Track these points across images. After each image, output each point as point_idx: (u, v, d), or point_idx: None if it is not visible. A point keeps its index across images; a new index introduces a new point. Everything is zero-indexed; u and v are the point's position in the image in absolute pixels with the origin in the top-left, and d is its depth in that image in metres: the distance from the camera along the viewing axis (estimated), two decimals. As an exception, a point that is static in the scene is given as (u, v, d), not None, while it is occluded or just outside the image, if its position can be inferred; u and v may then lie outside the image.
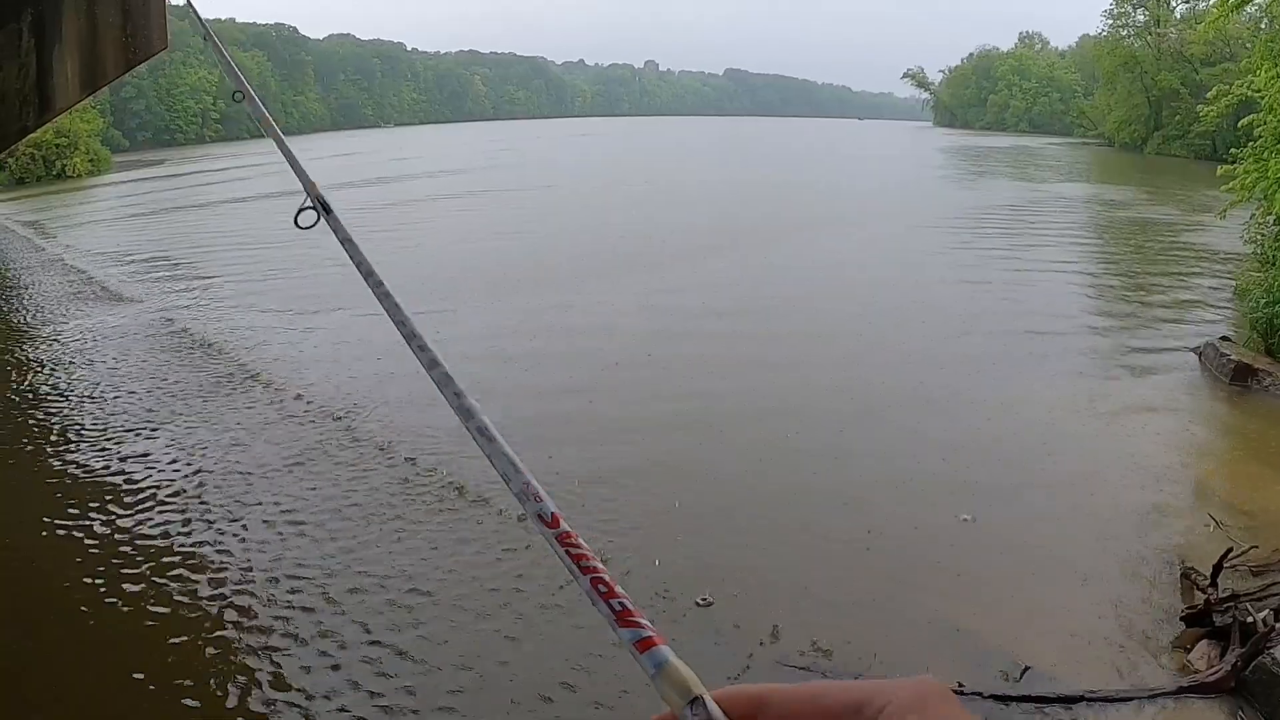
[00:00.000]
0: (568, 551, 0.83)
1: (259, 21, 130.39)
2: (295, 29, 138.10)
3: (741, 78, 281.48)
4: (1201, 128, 58.97)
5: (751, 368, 13.03)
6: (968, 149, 74.41)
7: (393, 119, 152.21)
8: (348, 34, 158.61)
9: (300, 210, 2.12)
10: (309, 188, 2.20)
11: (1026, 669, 5.93)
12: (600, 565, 0.80)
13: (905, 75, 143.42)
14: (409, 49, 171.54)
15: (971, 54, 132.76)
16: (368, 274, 1.66)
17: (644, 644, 0.71)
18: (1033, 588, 6.99)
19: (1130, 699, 5.67)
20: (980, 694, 5.66)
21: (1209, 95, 19.50)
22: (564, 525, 0.86)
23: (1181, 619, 6.49)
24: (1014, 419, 10.70)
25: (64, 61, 11.29)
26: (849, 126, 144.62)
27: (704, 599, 6.79)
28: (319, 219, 2.17)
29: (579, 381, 12.33)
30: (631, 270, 20.30)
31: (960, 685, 5.72)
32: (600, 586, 0.77)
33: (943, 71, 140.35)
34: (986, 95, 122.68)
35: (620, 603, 0.75)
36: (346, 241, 1.91)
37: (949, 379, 12.29)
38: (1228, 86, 18.29)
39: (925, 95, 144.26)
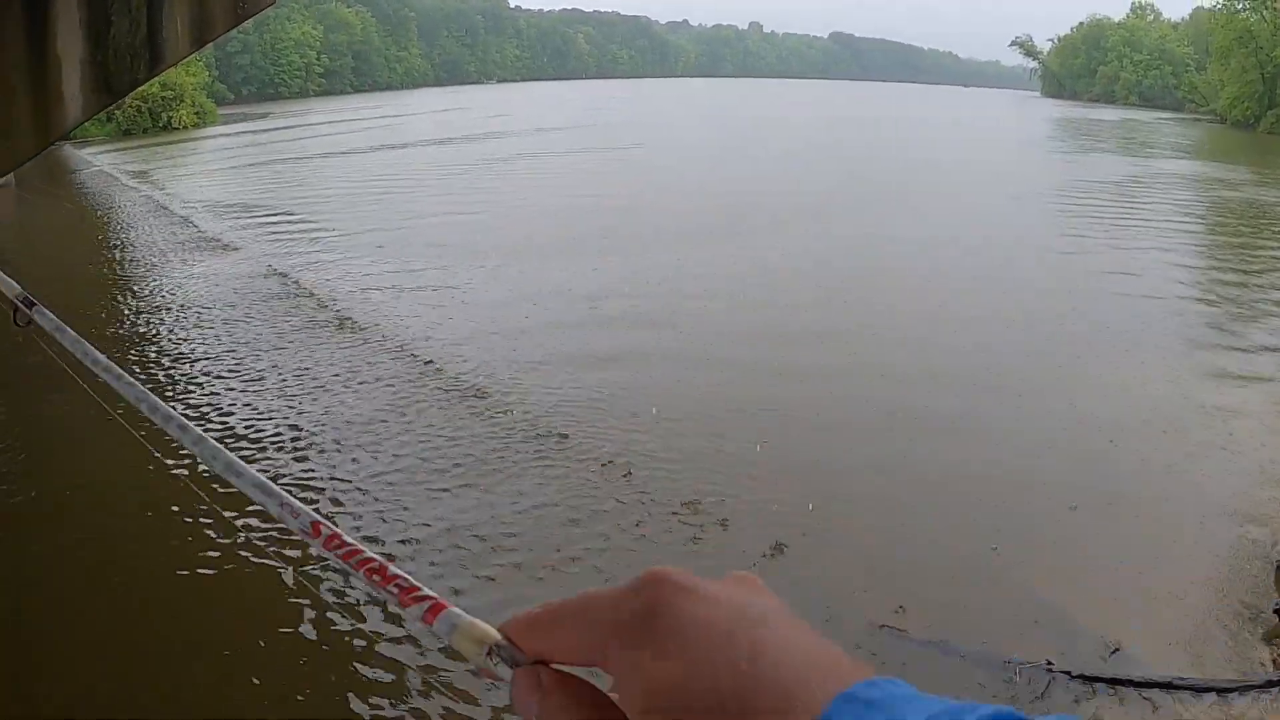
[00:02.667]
0: (336, 552, 0.87)
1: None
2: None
3: (846, 41, 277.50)
4: (1319, 107, 56.71)
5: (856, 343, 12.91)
6: (1078, 120, 72.40)
7: (495, 75, 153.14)
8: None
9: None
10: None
11: (1115, 650, 5.87)
12: (372, 555, 0.81)
13: (1013, 43, 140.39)
14: (512, 5, 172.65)
15: (1082, 23, 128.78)
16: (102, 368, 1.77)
17: (431, 612, 0.70)
18: (1126, 572, 6.87)
19: (1217, 689, 5.56)
20: (1069, 673, 5.63)
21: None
22: (325, 530, 0.90)
23: (1275, 611, 6.34)
24: (1115, 405, 10.43)
25: (174, 17, 11.54)
26: (954, 93, 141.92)
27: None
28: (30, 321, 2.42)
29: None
30: (732, 237, 20.15)
31: (1050, 663, 5.70)
32: (375, 575, 0.78)
33: (1051, 40, 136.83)
34: (1096, 66, 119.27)
35: (397, 584, 0.75)
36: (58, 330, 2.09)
37: (1048, 361, 12.02)
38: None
39: (1033, 64, 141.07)
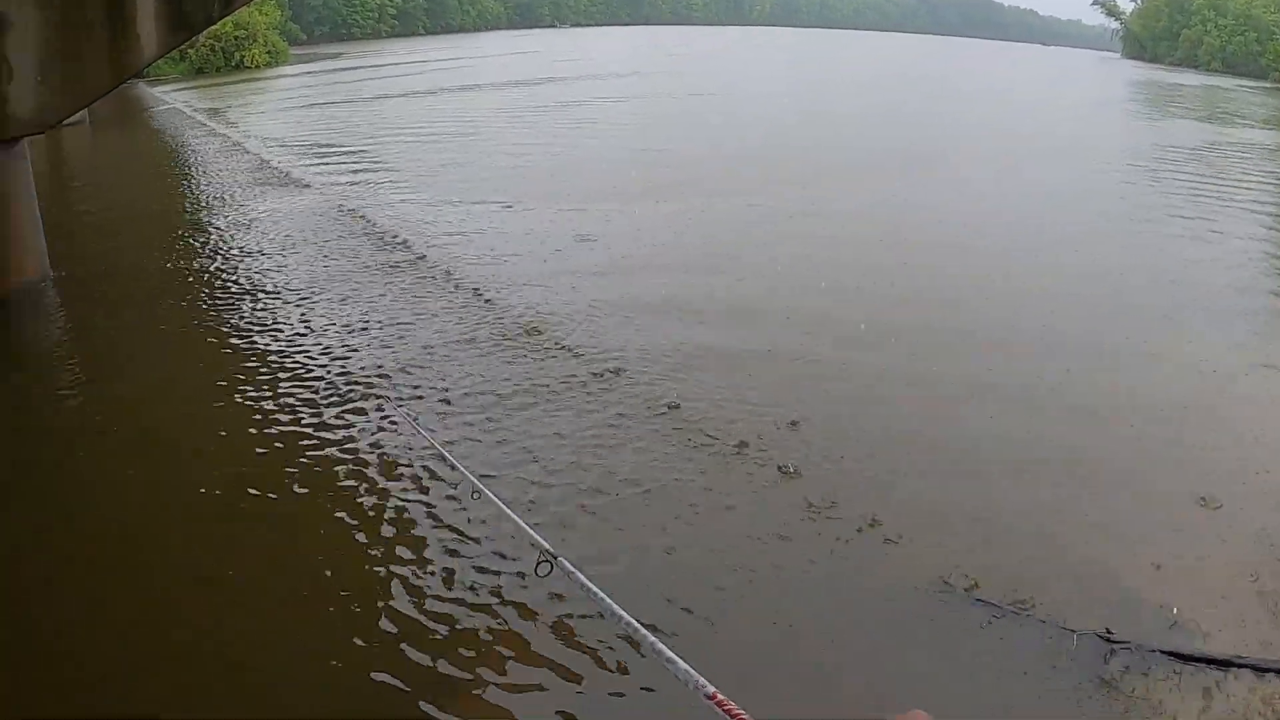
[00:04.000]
0: (727, 711, 1.25)
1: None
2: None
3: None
4: None
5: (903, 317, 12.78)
6: (1159, 84, 70.41)
7: (569, 19, 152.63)
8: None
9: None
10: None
11: (1175, 624, 5.80)
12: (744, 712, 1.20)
13: (1095, 2, 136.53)
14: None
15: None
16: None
17: None
18: (1189, 546, 6.73)
19: (1276, 670, 5.47)
20: (1129, 644, 5.56)
21: None
22: (720, 697, 1.30)
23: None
24: (1177, 380, 10.19)
25: (252, -47, 11.61)
26: (1034, 51, 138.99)
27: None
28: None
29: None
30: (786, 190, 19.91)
31: (1109, 631, 5.63)
32: None
33: (1135, 1, 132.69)
34: (1179, 29, 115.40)
35: None
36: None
37: (1117, 336, 11.74)
38: None
39: (1115, 24, 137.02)
